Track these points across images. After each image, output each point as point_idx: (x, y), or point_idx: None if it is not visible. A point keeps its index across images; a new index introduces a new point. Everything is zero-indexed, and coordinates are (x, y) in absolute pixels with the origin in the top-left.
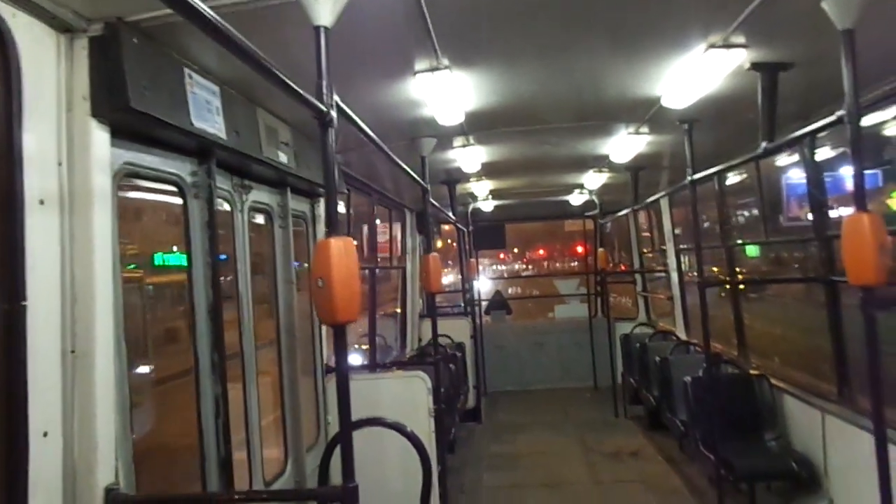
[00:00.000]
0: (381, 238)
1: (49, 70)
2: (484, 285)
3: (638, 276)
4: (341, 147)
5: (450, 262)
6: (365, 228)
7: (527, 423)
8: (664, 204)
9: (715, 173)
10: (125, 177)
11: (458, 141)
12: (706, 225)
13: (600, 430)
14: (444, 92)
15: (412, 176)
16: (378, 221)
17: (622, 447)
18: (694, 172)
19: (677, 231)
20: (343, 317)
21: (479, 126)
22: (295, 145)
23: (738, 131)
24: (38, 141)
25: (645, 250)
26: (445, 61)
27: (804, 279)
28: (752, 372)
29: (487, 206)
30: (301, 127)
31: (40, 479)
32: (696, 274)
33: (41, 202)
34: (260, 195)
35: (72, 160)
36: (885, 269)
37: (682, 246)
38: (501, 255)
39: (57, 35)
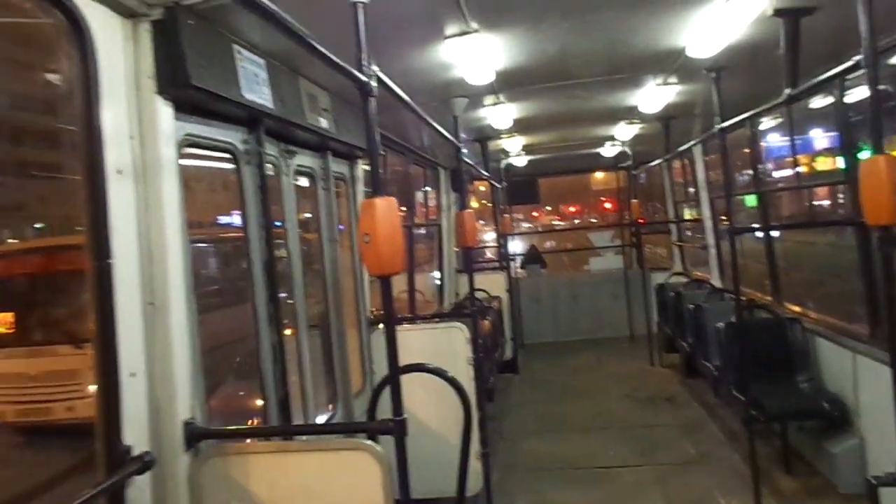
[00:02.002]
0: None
1: (118, 53)
2: (517, 245)
3: (672, 226)
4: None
5: (482, 220)
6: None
7: (563, 372)
8: (697, 152)
9: (743, 121)
10: (186, 147)
11: (488, 99)
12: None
13: (636, 378)
14: (474, 54)
15: (445, 135)
16: (429, 189)
17: (657, 393)
18: (723, 120)
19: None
20: (389, 268)
21: (508, 84)
22: (334, 111)
23: (769, 77)
24: (113, 118)
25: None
26: (475, 25)
27: (835, 222)
28: (784, 316)
29: (520, 161)
30: (339, 92)
31: (131, 414)
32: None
33: (119, 172)
34: (303, 159)
35: (142, 134)
36: None
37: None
38: (535, 213)
39: (123, 20)
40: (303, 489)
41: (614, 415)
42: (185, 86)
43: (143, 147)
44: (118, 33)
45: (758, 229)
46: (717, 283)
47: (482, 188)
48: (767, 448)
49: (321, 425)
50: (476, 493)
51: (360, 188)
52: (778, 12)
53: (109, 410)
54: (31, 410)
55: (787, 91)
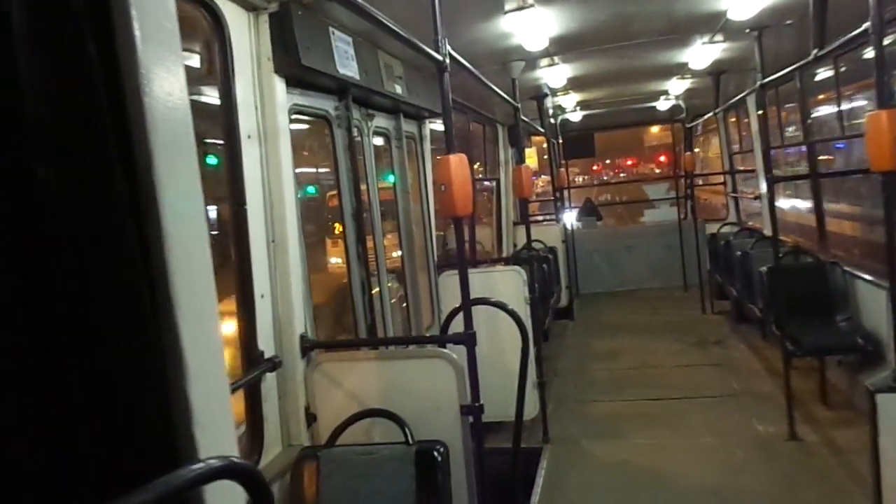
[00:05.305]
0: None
1: (245, 40)
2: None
3: (728, 178)
4: None
5: (542, 174)
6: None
7: (617, 318)
8: (750, 105)
9: (782, 77)
10: (294, 114)
11: (544, 62)
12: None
13: (687, 324)
14: (531, 25)
15: (504, 97)
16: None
17: (707, 337)
18: (765, 76)
19: None
20: (461, 211)
21: (562, 48)
22: (406, 77)
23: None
24: (243, 92)
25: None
26: (531, 0)
27: (858, 171)
28: (826, 260)
29: (576, 116)
30: (410, 61)
31: (262, 328)
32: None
33: (248, 136)
34: (380, 121)
35: (263, 105)
36: None
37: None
38: (595, 168)
39: (248, 13)
40: (393, 388)
41: (664, 356)
42: (297, 65)
43: (263, 116)
44: (244, 24)
45: (796, 178)
46: (768, 231)
47: (544, 146)
48: (808, 384)
49: (408, 337)
50: (533, 418)
51: (428, 146)
52: None
53: (247, 323)
54: None
55: (815, 52)
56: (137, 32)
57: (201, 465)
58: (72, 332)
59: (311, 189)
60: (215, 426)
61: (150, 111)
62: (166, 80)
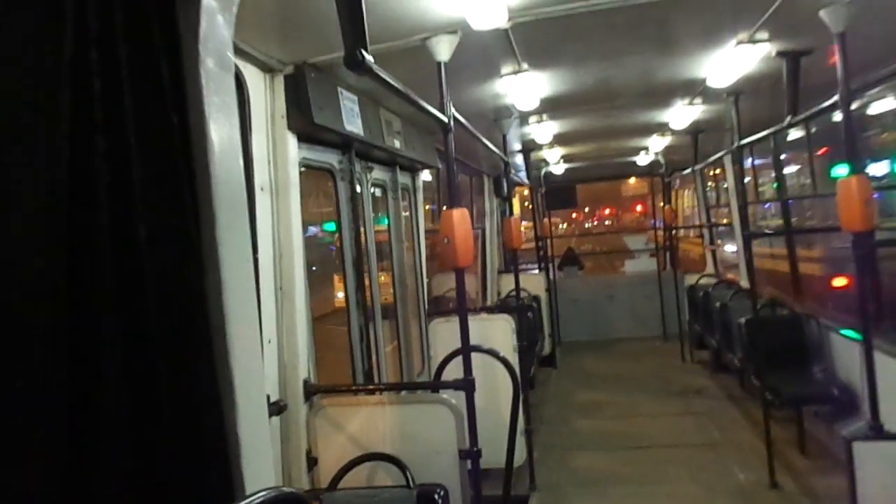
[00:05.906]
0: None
1: (261, 99)
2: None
3: (705, 231)
4: (433, 129)
5: (524, 220)
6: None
7: (599, 366)
8: (727, 162)
9: (758, 140)
10: (301, 167)
11: (533, 118)
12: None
13: (668, 373)
14: (523, 87)
15: (496, 152)
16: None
17: (687, 386)
18: (741, 138)
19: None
20: (462, 262)
21: (551, 107)
22: (403, 132)
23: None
24: (258, 147)
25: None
26: (525, 66)
27: (829, 228)
28: (802, 313)
29: (559, 169)
30: (408, 117)
31: (269, 372)
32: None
33: (261, 189)
34: (378, 174)
35: (275, 159)
36: (871, 218)
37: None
38: (574, 215)
39: (265, 75)
40: (394, 433)
41: (646, 404)
42: (309, 123)
43: (276, 170)
44: (262, 85)
45: (770, 235)
46: (745, 283)
47: (524, 193)
48: (786, 433)
49: (409, 383)
50: (520, 465)
51: (421, 197)
52: (780, 54)
53: (255, 368)
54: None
55: (789, 118)
56: (206, 108)
57: (261, 494)
58: (164, 374)
59: (329, 226)
60: (259, 459)
61: (215, 175)
62: (228, 146)
